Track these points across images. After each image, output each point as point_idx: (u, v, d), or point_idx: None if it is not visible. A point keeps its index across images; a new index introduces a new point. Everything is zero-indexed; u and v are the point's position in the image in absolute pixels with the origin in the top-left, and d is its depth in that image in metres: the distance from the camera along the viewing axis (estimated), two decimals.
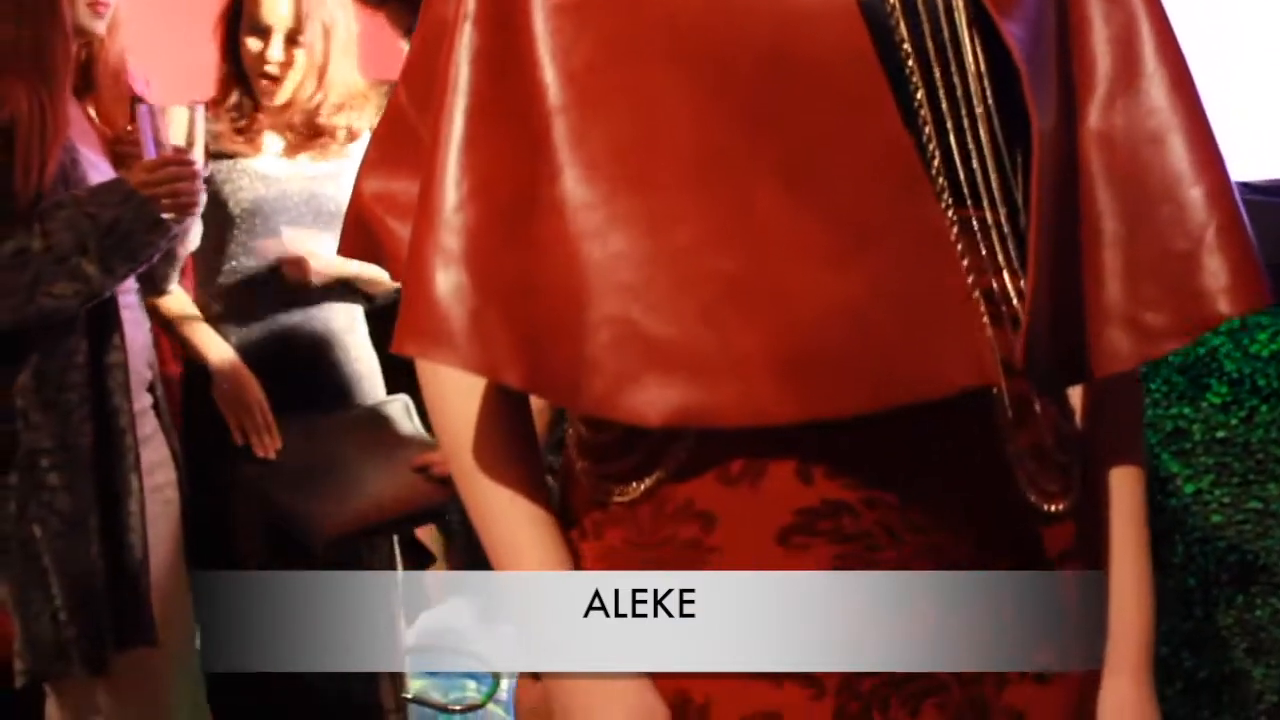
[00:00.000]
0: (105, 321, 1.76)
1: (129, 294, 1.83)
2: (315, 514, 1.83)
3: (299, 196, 2.17)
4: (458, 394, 0.85)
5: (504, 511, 0.84)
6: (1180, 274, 0.85)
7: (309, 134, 2.20)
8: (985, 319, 0.80)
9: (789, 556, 0.80)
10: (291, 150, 2.19)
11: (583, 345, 0.75)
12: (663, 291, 0.75)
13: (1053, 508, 0.87)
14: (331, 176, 2.20)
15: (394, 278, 0.89)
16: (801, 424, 0.75)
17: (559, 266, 0.76)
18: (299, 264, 2.08)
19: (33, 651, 1.69)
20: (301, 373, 2.17)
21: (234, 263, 2.15)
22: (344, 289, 2.22)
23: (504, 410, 0.85)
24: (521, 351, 0.76)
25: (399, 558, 2.09)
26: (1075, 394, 0.95)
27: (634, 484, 0.84)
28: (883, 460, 0.80)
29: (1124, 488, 0.93)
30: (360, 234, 0.94)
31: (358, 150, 2.18)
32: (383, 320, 2.38)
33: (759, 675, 0.80)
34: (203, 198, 1.76)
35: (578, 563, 0.86)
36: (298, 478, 2.00)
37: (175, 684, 1.90)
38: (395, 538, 2.06)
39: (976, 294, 0.80)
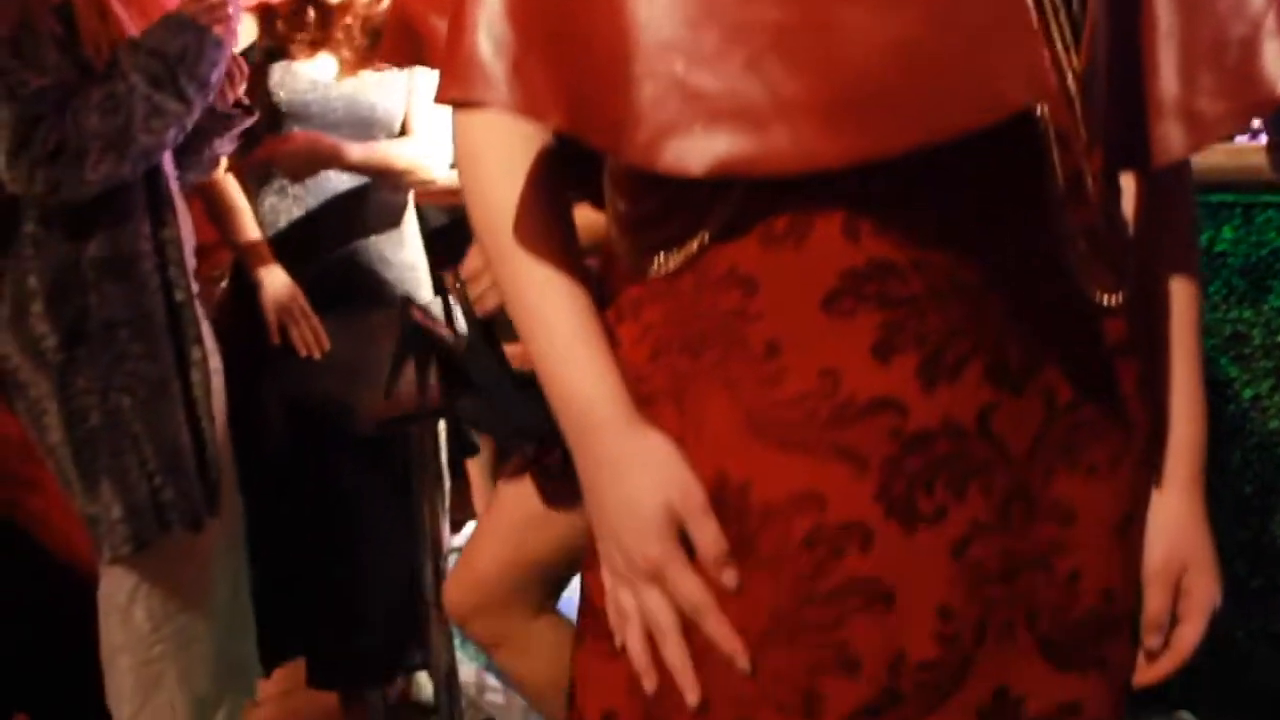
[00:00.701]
0: (160, 197, 1.78)
1: (172, 179, 1.86)
2: (356, 402, 1.84)
3: (342, 102, 2.19)
4: (498, 174, 0.84)
5: (540, 289, 0.83)
6: (1237, 60, 0.83)
7: (364, 40, 2.20)
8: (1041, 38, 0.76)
9: (833, 323, 0.78)
10: (345, 57, 2.20)
11: (626, 97, 0.74)
12: (709, 46, 0.73)
13: (1106, 300, 0.85)
14: (378, 85, 2.21)
15: (434, 66, 0.89)
16: (851, 170, 0.72)
17: (603, 21, 0.75)
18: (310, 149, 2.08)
19: (135, 519, 1.72)
20: (344, 271, 2.19)
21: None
22: (384, 188, 2.23)
23: (543, 192, 0.85)
24: (564, 95, 0.75)
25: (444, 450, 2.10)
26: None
27: (676, 249, 0.83)
28: (932, 219, 0.78)
29: (1178, 297, 0.91)
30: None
31: None
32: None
33: (800, 451, 0.79)
34: (239, 12, 1.78)
35: (614, 346, 0.85)
36: (339, 370, 2.02)
37: (222, 560, 1.93)
38: (442, 429, 2.07)
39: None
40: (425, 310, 1.75)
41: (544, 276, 0.83)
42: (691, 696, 0.81)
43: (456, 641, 2.19)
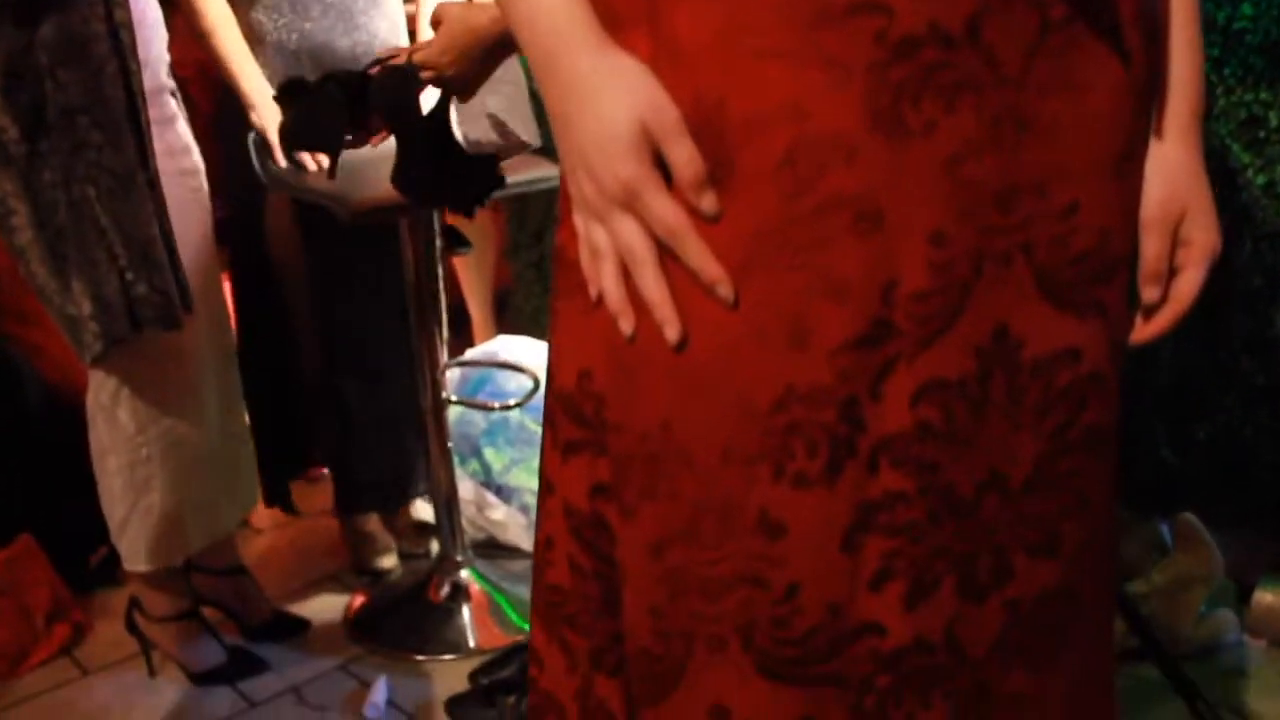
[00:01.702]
0: None
1: None
2: (344, 191, 1.80)
3: None
4: None
5: None
6: None
7: None
8: None
9: None
10: None
11: None
12: None
13: None
14: None
15: None
16: None
17: None
18: None
19: (105, 315, 1.69)
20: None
21: None
22: None
23: None
24: None
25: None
26: None
27: None
28: None
29: None
30: None
31: None
32: None
33: (778, 60, 0.74)
34: None
35: None
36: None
37: (208, 363, 1.90)
38: (436, 225, 2.04)
39: None
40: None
41: None
42: (671, 332, 0.77)
43: (456, 461, 2.18)
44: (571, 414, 0.86)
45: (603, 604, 0.87)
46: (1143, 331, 0.88)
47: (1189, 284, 0.86)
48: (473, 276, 2.99)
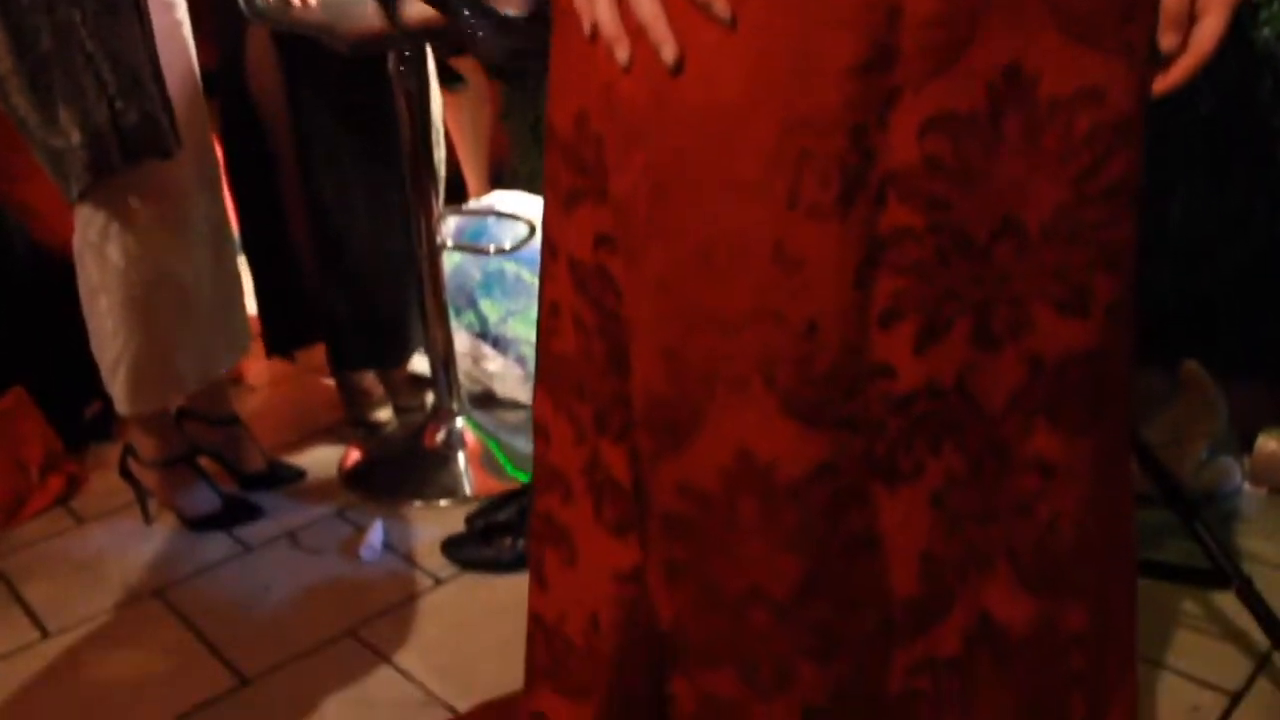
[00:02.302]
0: None
1: None
2: (333, 21, 1.74)
3: None
4: None
5: None
6: None
7: None
8: None
9: None
10: None
11: None
12: None
13: None
14: None
15: None
16: None
17: None
18: None
19: (95, 145, 1.63)
20: None
21: None
22: None
23: None
24: None
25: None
26: None
27: None
28: None
29: None
30: None
31: None
32: None
33: None
34: None
35: None
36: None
37: (197, 200, 1.85)
38: (430, 62, 1.98)
39: None
40: None
41: None
42: (667, 51, 0.74)
43: (452, 313, 2.15)
44: (572, 162, 0.83)
45: (607, 362, 0.84)
46: (1161, 83, 0.83)
47: (1210, 30, 0.81)
48: (469, 143, 2.94)
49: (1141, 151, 0.81)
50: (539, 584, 0.95)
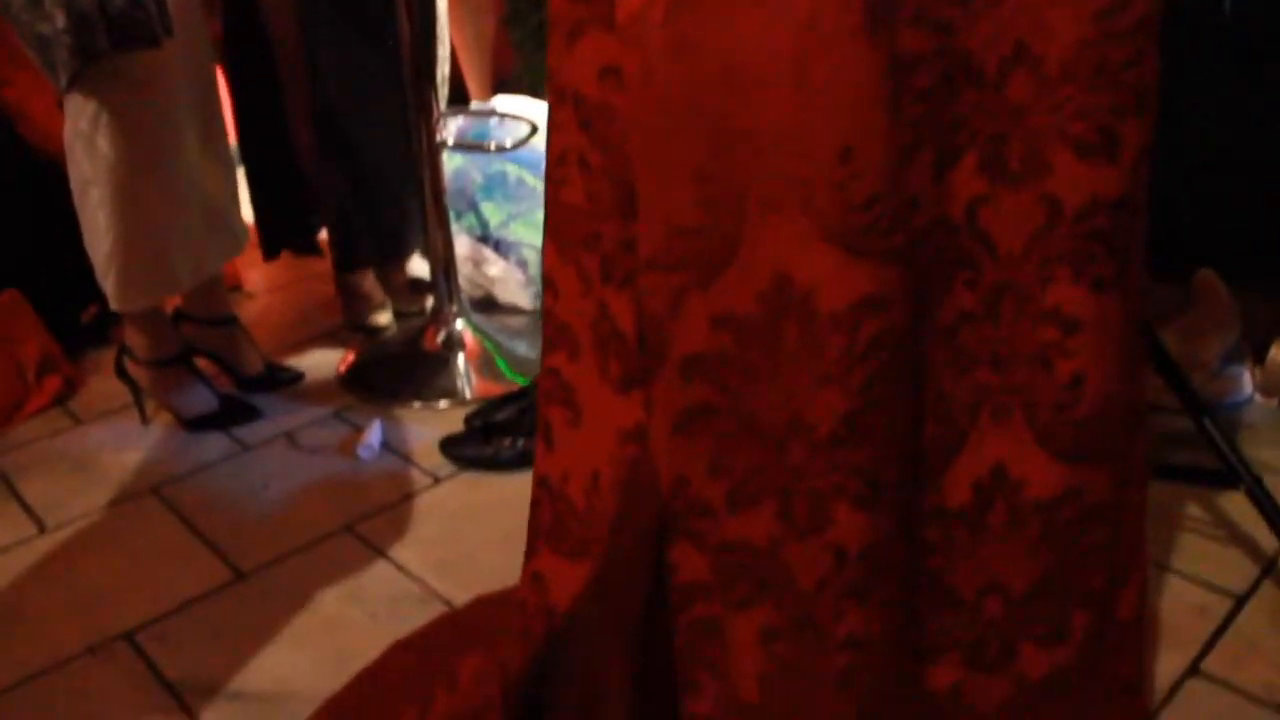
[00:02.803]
0: None
1: None
2: None
3: None
4: None
5: None
6: None
7: None
8: None
9: None
10: None
11: None
12: None
13: None
14: None
15: None
16: None
17: None
18: None
19: (81, 29, 1.58)
20: None
21: None
22: None
23: None
24: None
25: None
26: None
27: None
28: None
29: None
30: None
31: None
32: None
33: None
34: None
35: None
36: None
37: (185, 88, 1.80)
38: None
39: None
40: None
41: None
42: None
43: (453, 216, 2.11)
44: None
45: (614, 205, 0.81)
46: None
47: None
48: (471, 49, 2.87)
49: None
50: (545, 445, 0.93)
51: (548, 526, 0.92)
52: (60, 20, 1.58)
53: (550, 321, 0.90)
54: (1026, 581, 0.90)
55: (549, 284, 0.89)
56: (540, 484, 0.94)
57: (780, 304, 0.76)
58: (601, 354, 0.86)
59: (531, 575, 0.94)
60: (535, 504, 0.95)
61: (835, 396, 0.77)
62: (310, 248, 2.43)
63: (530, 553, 0.95)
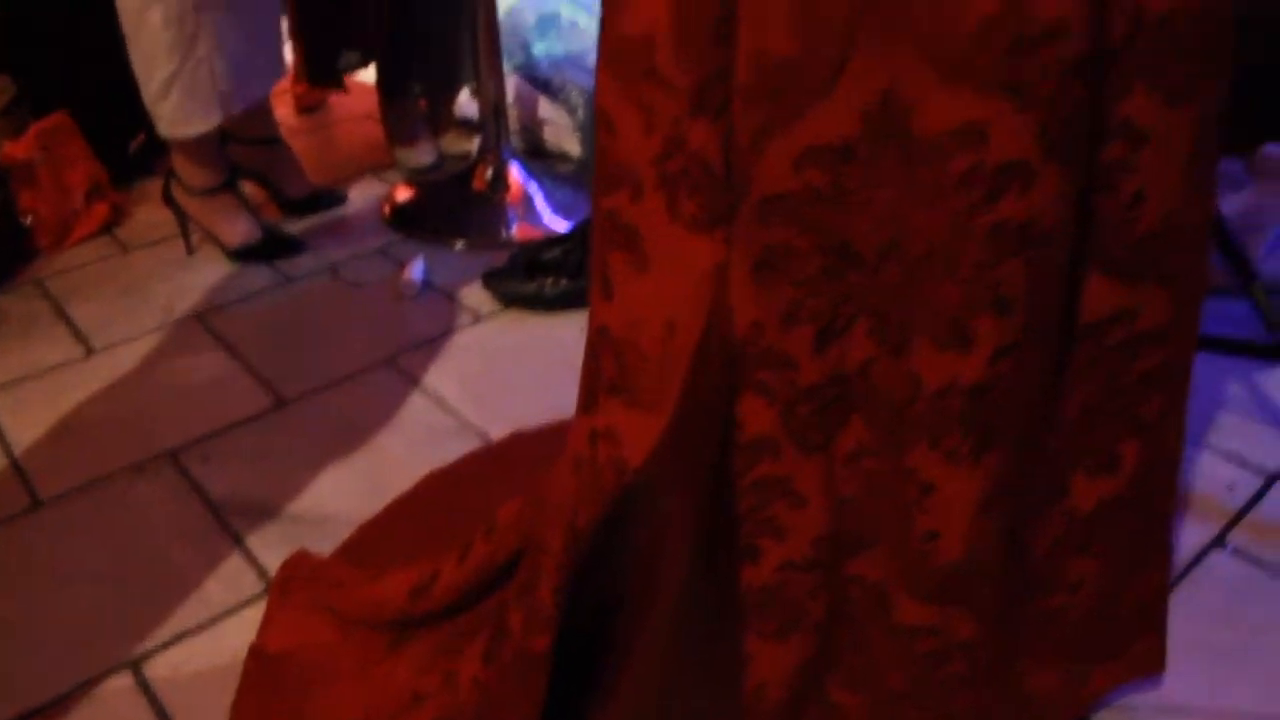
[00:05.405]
0: None
1: None
2: None
3: None
4: None
5: None
6: None
7: None
8: None
9: None
10: None
11: None
12: None
13: None
14: None
15: None
16: None
17: None
18: None
19: None
20: None
21: None
22: None
23: None
24: None
25: None
26: None
27: None
28: None
29: None
30: None
31: None
32: None
33: None
34: None
35: None
36: None
37: None
38: None
39: None
40: None
41: None
42: None
43: (504, 56, 2.08)
44: None
45: (711, 26, 0.75)
46: None
47: None
48: None
49: None
50: (604, 293, 0.87)
51: (612, 379, 0.87)
52: None
53: (607, 160, 0.84)
54: (1075, 408, 0.89)
55: (604, 120, 0.83)
56: (600, 333, 0.88)
57: (885, 126, 0.73)
58: (670, 193, 0.81)
59: (593, 431, 0.89)
60: (593, 354, 0.90)
61: (932, 218, 0.75)
62: (337, 81, 2.40)
63: (588, 405, 0.90)
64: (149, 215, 2.16)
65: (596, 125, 0.85)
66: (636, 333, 0.84)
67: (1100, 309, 0.83)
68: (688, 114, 0.77)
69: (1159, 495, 0.96)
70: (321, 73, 2.33)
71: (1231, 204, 1.80)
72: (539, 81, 2.20)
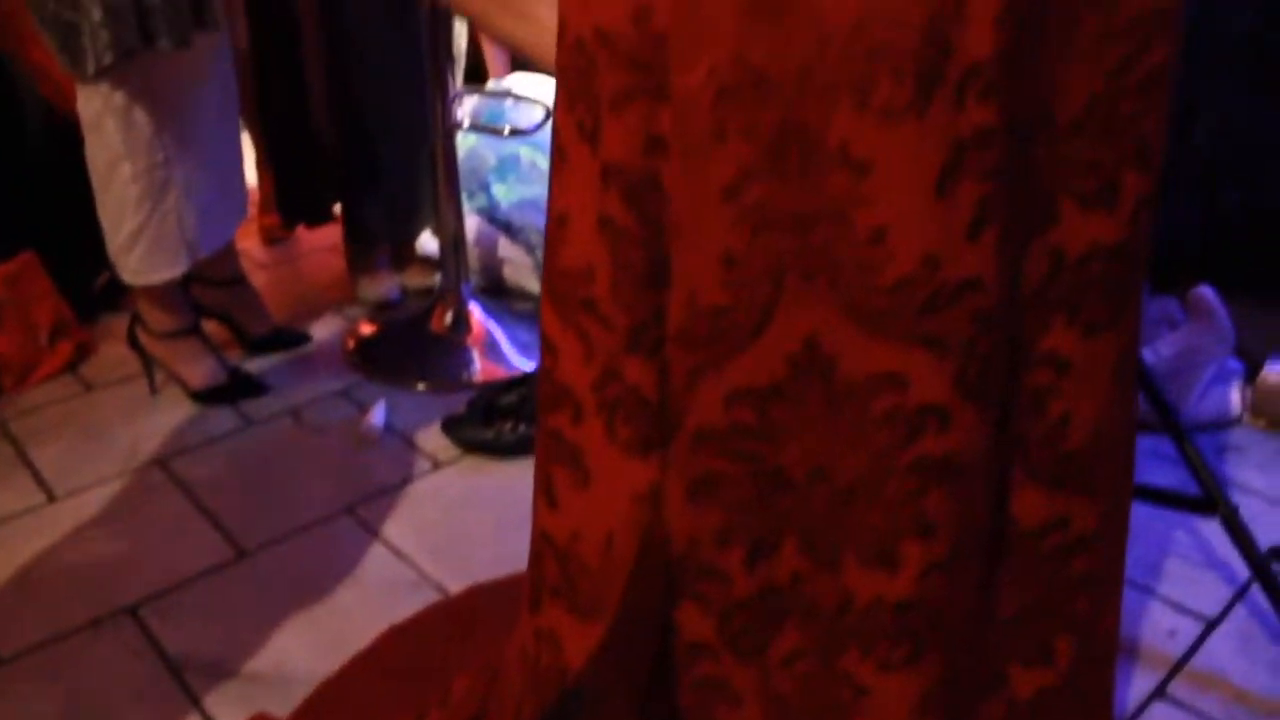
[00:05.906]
0: None
1: None
2: None
3: None
4: None
5: None
6: None
7: None
8: None
9: None
10: None
11: None
12: None
13: None
14: None
15: None
16: None
17: None
18: None
19: (115, 24, 1.62)
20: None
21: None
22: None
23: None
24: None
25: None
26: None
27: None
28: None
29: None
30: None
31: None
32: None
33: None
34: None
35: None
36: None
37: (210, 59, 1.83)
38: None
39: None
40: None
41: None
42: None
43: (464, 197, 2.14)
44: (622, 60, 0.79)
45: (645, 275, 0.81)
46: None
47: None
48: None
49: (1180, 35, 0.78)
50: (548, 503, 0.93)
51: (557, 584, 0.92)
52: (96, 13, 1.61)
53: (548, 382, 0.90)
54: (1011, 608, 0.93)
55: (547, 344, 0.89)
56: (544, 539, 0.93)
57: (808, 367, 0.78)
58: (609, 417, 0.86)
59: (539, 631, 0.94)
60: (538, 557, 0.95)
61: (857, 459, 0.80)
62: (325, 217, 2.46)
63: (535, 604, 0.95)
64: (113, 351, 2.18)
65: (541, 347, 0.90)
66: (578, 544, 0.89)
67: (1034, 518, 0.87)
68: (624, 350, 0.82)
69: (1094, 692, 0.99)
70: (295, 210, 2.39)
71: (1171, 345, 1.86)
72: (499, 222, 2.26)
